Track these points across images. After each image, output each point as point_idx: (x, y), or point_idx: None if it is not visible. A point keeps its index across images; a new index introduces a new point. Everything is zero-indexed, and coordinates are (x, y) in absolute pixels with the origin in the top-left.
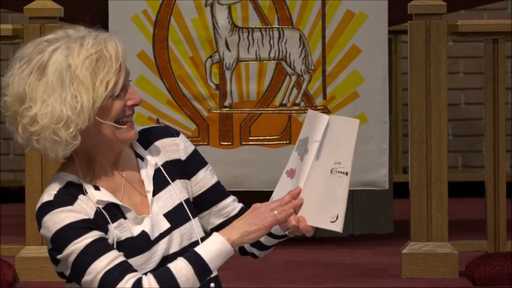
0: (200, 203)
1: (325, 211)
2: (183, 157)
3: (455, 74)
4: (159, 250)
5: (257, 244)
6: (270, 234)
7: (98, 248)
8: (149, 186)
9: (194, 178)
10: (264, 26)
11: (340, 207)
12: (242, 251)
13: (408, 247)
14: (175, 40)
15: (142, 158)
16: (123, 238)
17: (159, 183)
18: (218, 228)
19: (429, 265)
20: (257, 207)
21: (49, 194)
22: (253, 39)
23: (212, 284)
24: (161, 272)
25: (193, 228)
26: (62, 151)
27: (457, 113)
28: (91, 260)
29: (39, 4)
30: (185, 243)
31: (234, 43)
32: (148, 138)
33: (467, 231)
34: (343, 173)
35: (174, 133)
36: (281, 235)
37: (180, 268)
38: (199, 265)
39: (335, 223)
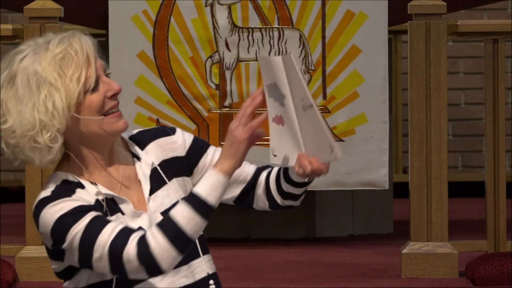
0: None
1: (322, 145)
2: (182, 153)
3: (455, 74)
4: None
5: (290, 196)
6: (293, 183)
7: (97, 225)
8: (146, 185)
9: (196, 169)
10: (264, 26)
11: (329, 137)
12: (276, 205)
13: (408, 247)
14: (175, 40)
15: (139, 158)
16: None
17: (156, 182)
18: (241, 198)
19: (429, 265)
20: (230, 127)
21: (46, 191)
22: (253, 39)
23: (211, 281)
24: (163, 220)
25: None
26: (48, 155)
27: (457, 113)
28: (94, 238)
29: (39, 4)
30: None
31: (234, 43)
32: (144, 139)
33: (467, 231)
34: (310, 105)
35: (170, 132)
36: (303, 182)
37: (180, 210)
38: (197, 203)
39: (334, 153)
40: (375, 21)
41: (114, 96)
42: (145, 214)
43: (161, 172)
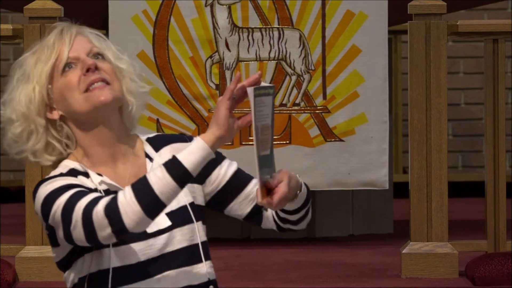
0: (222, 199)
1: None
2: None
3: (455, 74)
4: (156, 244)
5: (287, 221)
6: (283, 210)
7: (78, 196)
8: None
9: (208, 179)
10: (264, 26)
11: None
12: (280, 228)
13: (408, 247)
14: (175, 40)
15: (151, 159)
16: None
17: None
18: (251, 216)
19: (429, 265)
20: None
21: (51, 174)
22: (253, 39)
23: (211, 287)
24: (138, 179)
25: (195, 230)
26: (39, 143)
27: (457, 113)
28: (73, 206)
29: (39, 4)
30: (185, 244)
31: (234, 43)
32: (160, 142)
33: (467, 231)
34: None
35: (187, 139)
36: (291, 209)
37: (154, 170)
38: (171, 164)
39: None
40: (375, 21)
41: (90, 71)
42: None
43: None
